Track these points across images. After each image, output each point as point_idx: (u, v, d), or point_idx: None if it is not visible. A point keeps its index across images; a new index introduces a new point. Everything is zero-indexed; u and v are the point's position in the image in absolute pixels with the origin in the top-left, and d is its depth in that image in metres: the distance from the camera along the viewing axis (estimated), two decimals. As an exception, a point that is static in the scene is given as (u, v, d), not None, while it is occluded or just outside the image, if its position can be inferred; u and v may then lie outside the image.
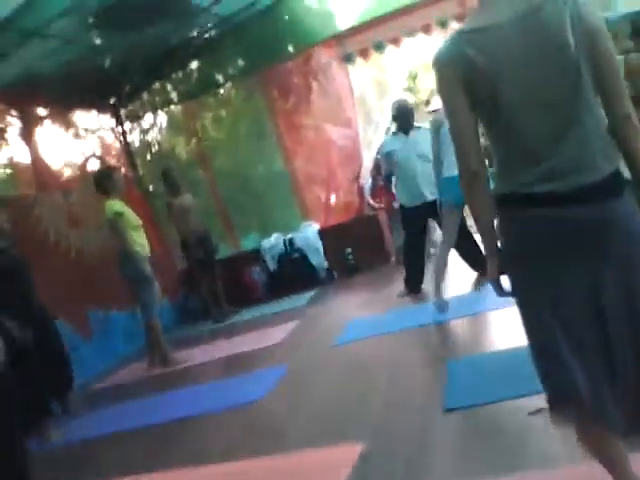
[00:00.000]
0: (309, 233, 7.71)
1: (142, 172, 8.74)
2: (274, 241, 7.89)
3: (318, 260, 7.63)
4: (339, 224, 7.74)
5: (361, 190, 7.81)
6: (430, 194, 5.19)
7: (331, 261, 7.63)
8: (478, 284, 5.09)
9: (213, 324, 7.11)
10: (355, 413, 3.25)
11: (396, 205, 6.06)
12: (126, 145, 8.51)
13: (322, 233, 7.70)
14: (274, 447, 3.11)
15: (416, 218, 5.43)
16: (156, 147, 8.93)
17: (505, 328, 3.91)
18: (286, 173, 8.43)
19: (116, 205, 5.26)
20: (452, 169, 4.41)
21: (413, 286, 5.52)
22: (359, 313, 5.45)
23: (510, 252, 1.71)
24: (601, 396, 1.63)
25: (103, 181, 5.34)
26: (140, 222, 5.42)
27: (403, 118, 5.48)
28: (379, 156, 6.20)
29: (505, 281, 1.78)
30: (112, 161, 8.02)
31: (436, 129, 4.57)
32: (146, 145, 8.86)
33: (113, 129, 8.36)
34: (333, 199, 8.33)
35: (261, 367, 4.68)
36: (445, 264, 4.70)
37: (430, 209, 5.16)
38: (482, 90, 1.61)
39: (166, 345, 5.60)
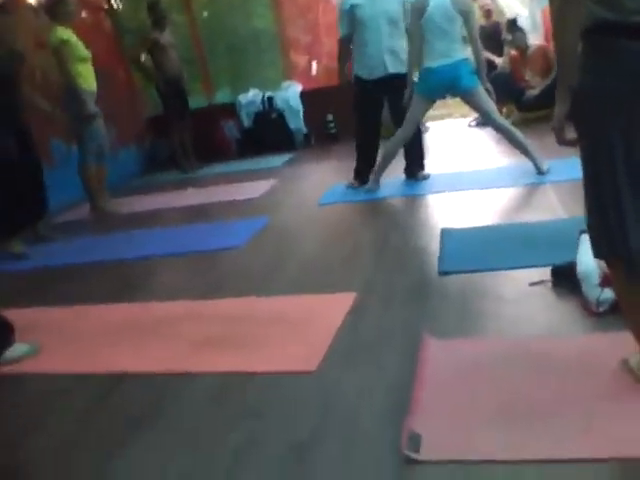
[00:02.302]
0: (290, 94, 7.29)
1: (116, 5, 7.99)
2: (252, 97, 7.45)
3: (297, 123, 7.29)
4: (322, 88, 7.32)
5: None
6: (392, 66, 4.55)
7: (310, 127, 7.31)
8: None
9: (181, 174, 6.82)
10: (346, 267, 3.15)
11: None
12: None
13: (303, 96, 7.32)
14: (261, 290, 2.97)
15: (374, 94, 4.65)
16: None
17: (497, 206, 3.85)
18: (272, 27, 7.87)
19: (64, 32, 4.86)
20: (433, 59, 4.12)
21: (363, 177, 4.85)
22: (339, 180, 5.27)
23: (595, 91, 1.53)
24: None
25: (54, 5, 4.87)
26: (89, 55, 5.04)
27: None
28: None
29: (569, 129, 1.64)
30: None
31: (419, 14, 4.12)
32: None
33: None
34: (314, 66, 7.88)
35: (239, 217, 4.49)
36: (396, 152, 4.44)
37: (391, 84, 4.53)
38: None
39: (96, 192, 5.30)
